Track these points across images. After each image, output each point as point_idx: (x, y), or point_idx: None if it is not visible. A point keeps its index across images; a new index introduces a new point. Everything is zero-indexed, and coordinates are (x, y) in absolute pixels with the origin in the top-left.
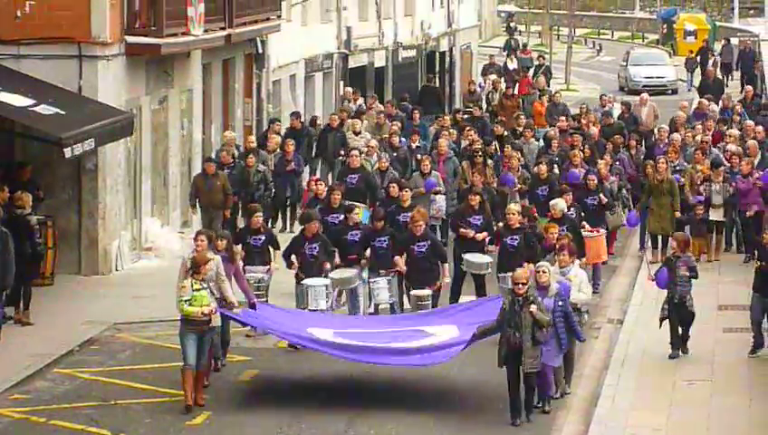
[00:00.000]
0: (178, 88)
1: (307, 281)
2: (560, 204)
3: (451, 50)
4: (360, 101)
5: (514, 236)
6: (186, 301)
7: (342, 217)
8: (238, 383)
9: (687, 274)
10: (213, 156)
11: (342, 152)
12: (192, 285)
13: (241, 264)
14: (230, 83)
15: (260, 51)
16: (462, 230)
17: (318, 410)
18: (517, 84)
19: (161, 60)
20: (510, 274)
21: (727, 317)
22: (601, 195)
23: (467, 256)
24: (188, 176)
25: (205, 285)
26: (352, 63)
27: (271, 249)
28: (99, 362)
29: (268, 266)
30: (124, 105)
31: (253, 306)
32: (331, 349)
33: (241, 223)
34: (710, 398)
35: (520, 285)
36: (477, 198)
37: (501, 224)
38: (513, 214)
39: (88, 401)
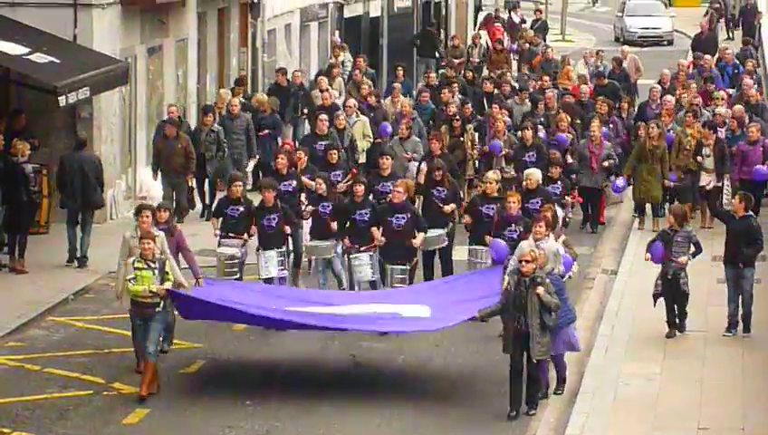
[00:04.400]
0: (173, 37)
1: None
2: (535, 174)
3: (446, 0)
4: (343, 56)
5: (491, 205)
6: (130, 279)
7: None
8: (233, 331)
9: (689, 255)
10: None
11: (306, 112)
12: (134, 264)
13: (184, 236)
14: (225, 33)
15: (255, 0)
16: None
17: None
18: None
19: (156, 9)
20: (483, 247)
21: (721, 268)
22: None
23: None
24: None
25: (154, 265)
26: (347, 13)
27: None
28: (93, 310)
29: (242, 241)
30: (119, 54)
31: (197, 282)
32: (293, 317)
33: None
34: (703, 348)
35: (524, 263)
36: (440, 172)
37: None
38: (491, 182)
39: (82, 349)
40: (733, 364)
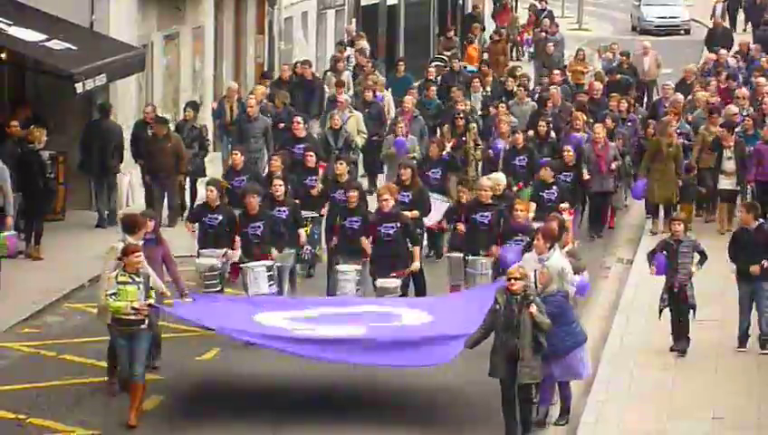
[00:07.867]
0: (190, 24)
1: (248, 263)
2: (503, 179)
3: None
4: (362, 45)
5: (486, 213)
6: (111, 294)
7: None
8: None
9: (696, 264)
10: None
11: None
12: (117, 277)
13: (169, 247)
14: (242, 20)
15: None
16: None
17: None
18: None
19: None
20: (481, 258)
21: None
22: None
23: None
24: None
25: (138, 279)
26: (364, 1)
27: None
28: None
29: (223, 251)
30: (136, 41)
31: (183, 296)
32: (286, 344)
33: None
34: (719, 338)
35: (513, 281)
36: (408, 171)
37: (464, 197)
38: (486, 189)
39: (98, 335)
40: (748, 355)
